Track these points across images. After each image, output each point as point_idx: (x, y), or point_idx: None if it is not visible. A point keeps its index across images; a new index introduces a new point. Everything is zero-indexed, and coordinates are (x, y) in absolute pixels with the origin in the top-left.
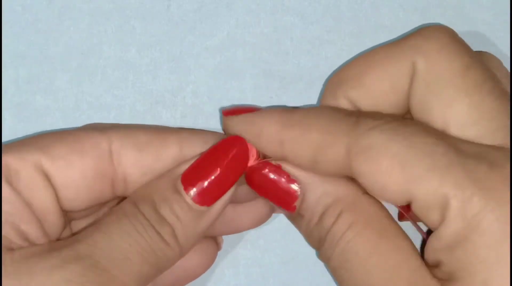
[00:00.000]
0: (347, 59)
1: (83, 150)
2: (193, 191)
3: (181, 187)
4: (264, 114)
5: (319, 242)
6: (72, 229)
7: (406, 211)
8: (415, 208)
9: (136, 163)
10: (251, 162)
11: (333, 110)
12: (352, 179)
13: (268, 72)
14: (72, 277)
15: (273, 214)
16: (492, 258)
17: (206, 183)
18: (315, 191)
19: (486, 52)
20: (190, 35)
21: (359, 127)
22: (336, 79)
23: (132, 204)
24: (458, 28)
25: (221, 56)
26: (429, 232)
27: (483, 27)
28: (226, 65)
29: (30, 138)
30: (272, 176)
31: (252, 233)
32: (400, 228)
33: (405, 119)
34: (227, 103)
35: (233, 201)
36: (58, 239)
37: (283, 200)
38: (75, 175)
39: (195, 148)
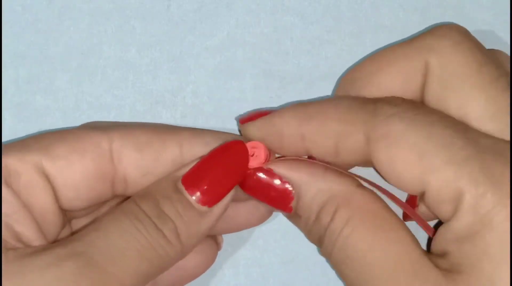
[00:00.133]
0: (347, 59)
1: (84, 150)
2: (194, 192)
3: (182, 187)
4: (281, 113)
5: (319, 239)
6: (73, 227)
7: (413, 205)
8: (428, 198)
9: (136, 163)
10: (256, 164)
11: (350, 98)
12: (345, 174)
13: (268, 72)
14: (66, 275)
15: (273, 214)
16: (500, 255)
17: (207, 185)
18: (310, 190)
19: (496, 50)
20: (190, 35)
21: (377, 115)
22: (349, 78)
23: (133, 202)
24: None
25: (221, 56)
26: (437, 229)
27: (483, 27)
28: (226, 65)
29: (30, 138)
30: (264, 180)
31: (252, 233)
32: (397, 218)
33: (424, 106)
34: (227, 103)
35: (233, 200)
36: (56, 239)
37: (278, 202)
38: (76, 175)
39: (195, 149)
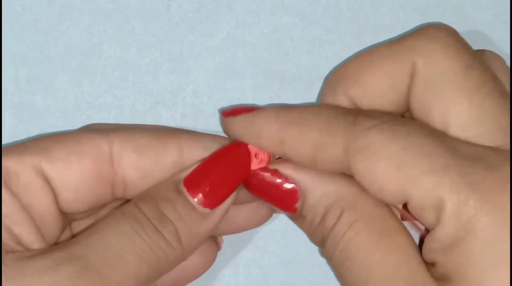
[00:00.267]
0: (347, 59)
1: (83, 152)
2: (196, 194)
3: (184, 189)
4: (262, 113)
5: (322, 241)
6: (73, 230)
7: (407, 210)
8: (411, 208)
9: (136, 166)
10: (256, 166)
11: (332, 108)
12: (352, 177)
13: (268, 72)
14: (64, 279)
15: (273, 215)
16: (486, 262)
17: (209, 187)
18: (316, 192)
19: (488, 51)
20: (190, 35)
21: (357, 127)
22: (335, 77)
23: (133, 204)
24: (458, 28)
25: (221, 56)
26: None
27: (483, 27)
28: (226, 65)
29: (30, 141)
30: (270, 180)
31: (252, 234)
32: (401, 225)
33: (403, 118)
34: (227, 103)
35: (234, 202)
36: (57, 242)
37: (283, 203)
38: (75, 177)
39: (195, 153)
